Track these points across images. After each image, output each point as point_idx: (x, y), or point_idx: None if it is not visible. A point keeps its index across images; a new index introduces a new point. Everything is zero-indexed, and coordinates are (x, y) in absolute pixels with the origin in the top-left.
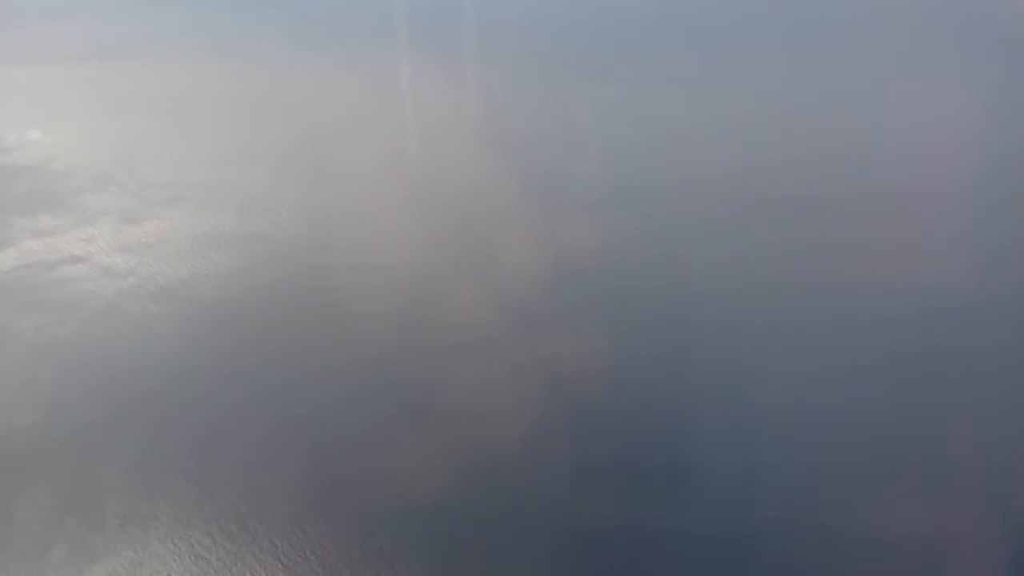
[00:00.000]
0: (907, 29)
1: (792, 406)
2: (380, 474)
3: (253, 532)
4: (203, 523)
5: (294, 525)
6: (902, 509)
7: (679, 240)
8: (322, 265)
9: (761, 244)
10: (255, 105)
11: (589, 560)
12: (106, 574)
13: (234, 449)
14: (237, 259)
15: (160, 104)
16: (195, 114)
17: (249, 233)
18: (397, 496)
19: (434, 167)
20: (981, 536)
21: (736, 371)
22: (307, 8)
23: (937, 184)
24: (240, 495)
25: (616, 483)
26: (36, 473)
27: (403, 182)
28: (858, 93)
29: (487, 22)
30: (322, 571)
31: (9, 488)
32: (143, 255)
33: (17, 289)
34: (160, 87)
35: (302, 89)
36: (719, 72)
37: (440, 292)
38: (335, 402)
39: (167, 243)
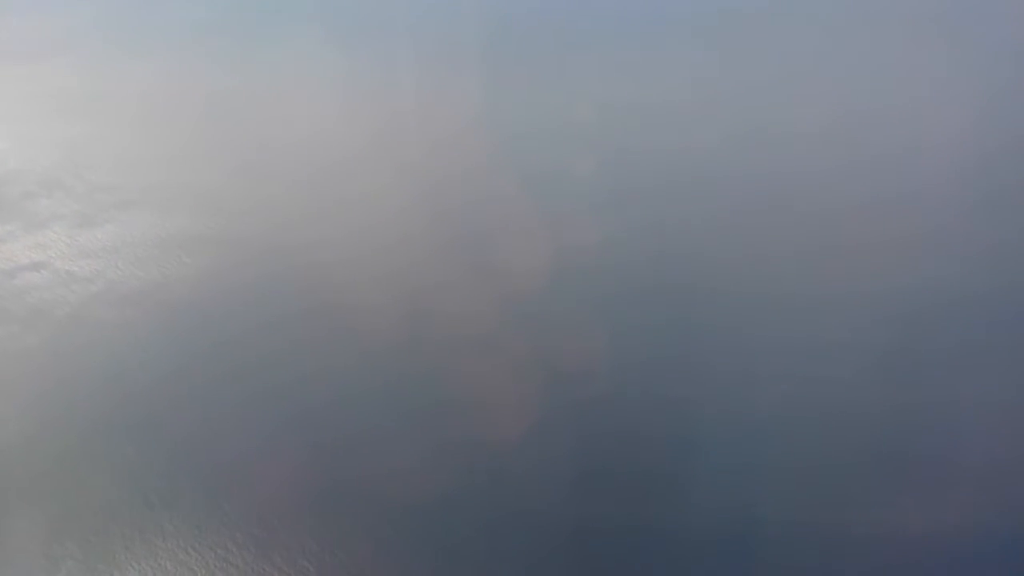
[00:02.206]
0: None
1: (791, 405)
2: (385, 472)
3: (277, 534)
4: (223, 527)
5: (317, 525)
6: (899, 508)
7: (679, 241)
8: (294, 265)
9: (761, 245)
10: (201, 103)
11: (589, 558)
12: None
13: (237, 452)
14: (207, 260)
15: (100, 104)
16: (138, 113)
17: (213, 234)
18: (407, 494)
19: (390, 160)
20: (980, 534)
21: (735, 372)
22: (254, 2)
23: (934, 187)
24: (253, 498)
25: (617, 482)
26: (30, 488)
27: (358, 177)
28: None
29: (452, 17)
30: (355, 569)
31: (3, 505)
32: (105, 260)
33: None
34: (99, 86)
35: (249, 85)
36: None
37: (413, 286)
38: (333, 402)
39: (128, 246)
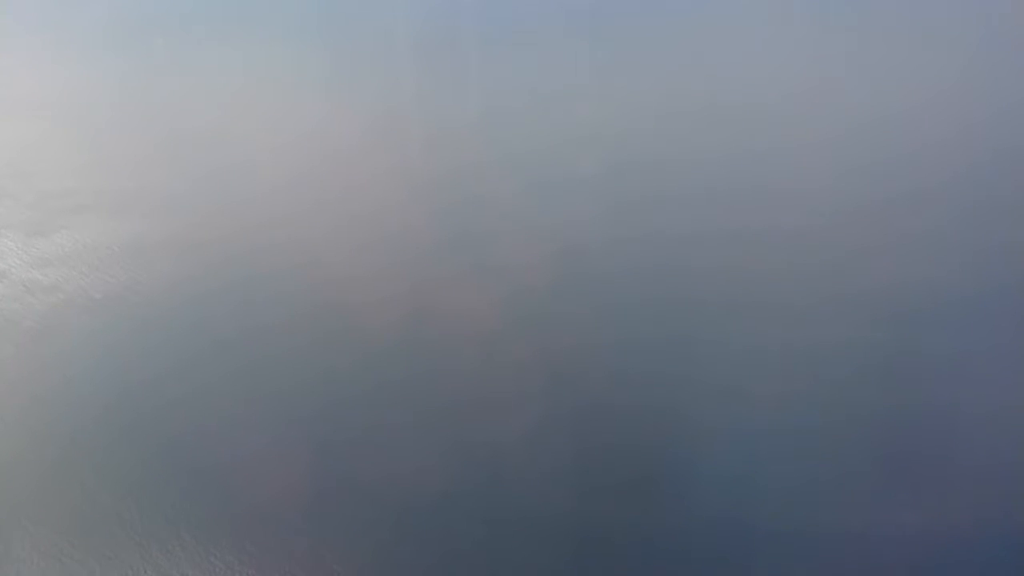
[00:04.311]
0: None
1: (792, 406)
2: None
3: (301, 536)
4: (241, 530)
5: (337, 526)
6: (899, 508)
7: (679, 241)
8: (265, 268)
9: (760, 245)
10: (147, 104)
11: (590, 560)
12: None
13: (238, 455)
14: (174, 264)
15: (41, 107)
16: (82, 116)
17: (176, 237)
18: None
19: (356, 160)
20: (980, 534)
21: (735, 372)
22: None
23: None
24: (264, 501)
25: (618, 483)
26: (34, 503)
27: (322, 178)
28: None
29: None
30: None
31: (9, 523)
32: (64, 268)
33: None
34: (38, 88)
35: (200, 85)
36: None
37: (391, 288)
38: (329, 404)
39: (87, 254)
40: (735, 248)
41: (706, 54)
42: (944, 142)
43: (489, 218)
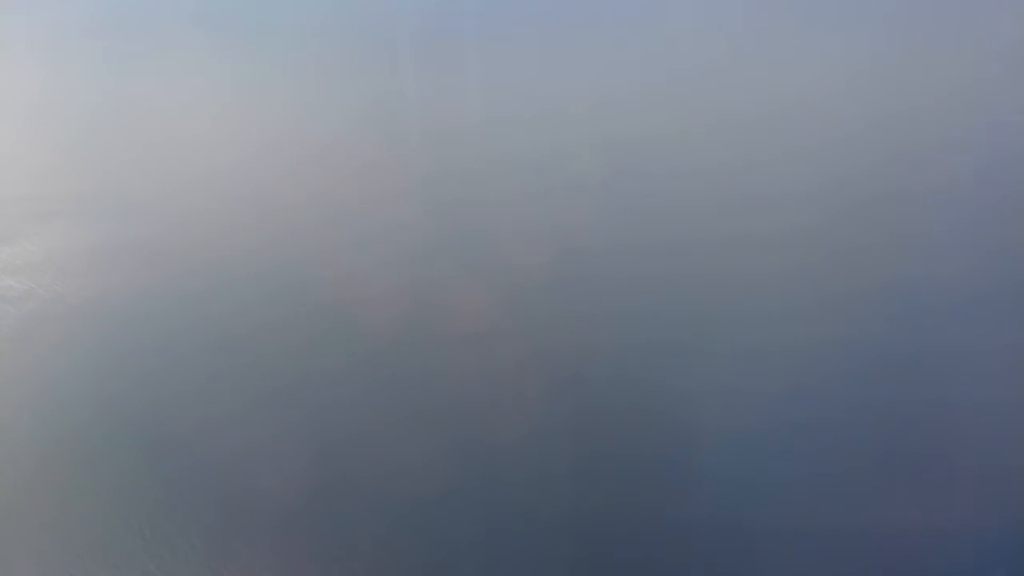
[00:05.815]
0: None
1: (792, 405)
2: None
3: (317, 535)
4: (254, 537)
5: (348, 528)
6: (899, 508)
7: (678, 240)
8: (240, 273)
9: (760, 242)
10: (106, 107)
11: (590, 559)
12: None
13: (236, 459)
14: (147, 271)
15: None
16: (42, 120)
17: (145, 243)
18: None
19: (306, 162)
20: (980, 534)
21: (734, 371)
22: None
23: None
24: (268, 504)
25: (618, 480)
26: (37, 514)
27: (294, 181)
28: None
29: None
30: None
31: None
32: (35, 275)
33: None
34: None
35: (159, 88)
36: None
37: (374, 290)
38: (319, 408)
39: (58, 260)
40: (736, 250)
41: (708, 58)
42: (945, 142)
43: (490, 220)
